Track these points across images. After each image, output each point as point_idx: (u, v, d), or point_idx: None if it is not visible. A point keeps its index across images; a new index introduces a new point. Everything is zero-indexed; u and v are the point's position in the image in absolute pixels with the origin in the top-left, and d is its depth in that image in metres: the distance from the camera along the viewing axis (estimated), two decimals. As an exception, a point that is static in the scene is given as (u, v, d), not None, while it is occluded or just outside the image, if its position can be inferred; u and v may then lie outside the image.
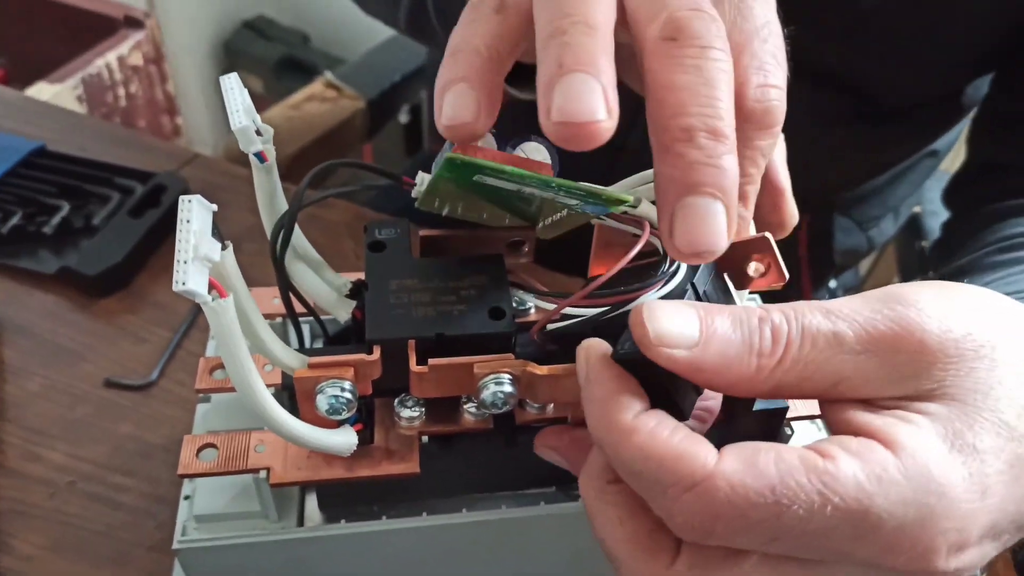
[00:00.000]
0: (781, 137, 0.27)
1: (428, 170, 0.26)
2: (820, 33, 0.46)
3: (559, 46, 0.20)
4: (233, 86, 0.25)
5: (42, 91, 0.79)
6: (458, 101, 0.22)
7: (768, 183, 0.29)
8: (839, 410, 0.23)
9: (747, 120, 0.24)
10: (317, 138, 0.63)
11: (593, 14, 0.21)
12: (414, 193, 0.26)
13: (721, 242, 0.21)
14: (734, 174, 0.21)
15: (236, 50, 1.51)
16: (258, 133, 0.25)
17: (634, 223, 0.26)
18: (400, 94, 0.79)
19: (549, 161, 0.24)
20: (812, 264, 0.63)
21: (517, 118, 0.27)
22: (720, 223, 0.20)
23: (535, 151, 0.24)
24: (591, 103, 0.20)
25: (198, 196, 0.21)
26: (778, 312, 0.22)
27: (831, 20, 0.46)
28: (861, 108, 0.52)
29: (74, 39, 0.71)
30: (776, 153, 0.30)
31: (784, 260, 0.28)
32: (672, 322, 0.21)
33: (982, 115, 0.54)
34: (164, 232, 0.49)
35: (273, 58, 1.46)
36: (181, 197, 0.21)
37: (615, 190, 0.25)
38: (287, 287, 0.28)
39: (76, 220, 0.49)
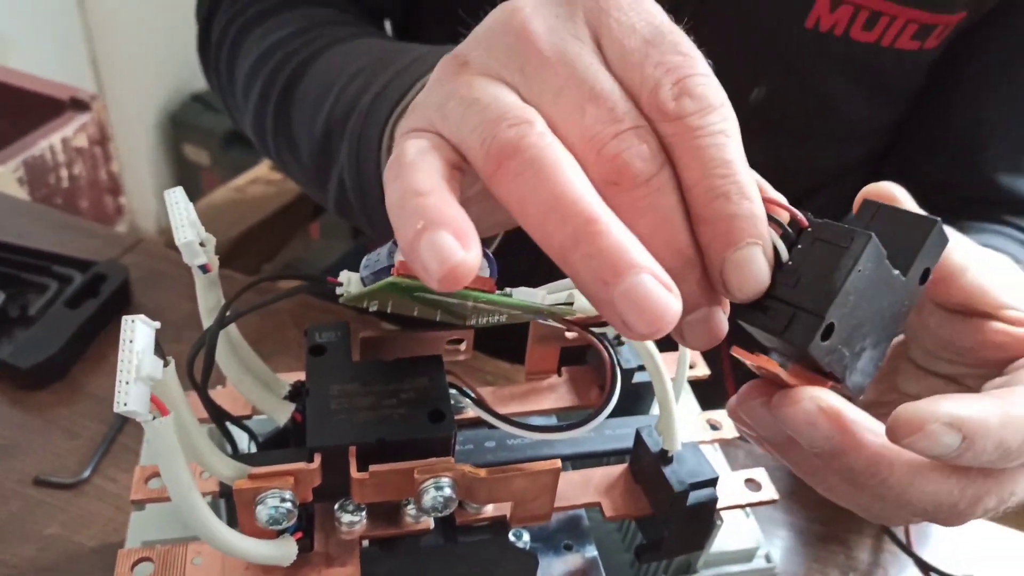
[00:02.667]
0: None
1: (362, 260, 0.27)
2: None
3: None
4: (178, 200, 0.26)
5: (-19, 173, 0.78)
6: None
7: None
8: None
9: (676, 116, 0.22)
10: (261, 220, 0.64)
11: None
12: (339, 291, 0.27)
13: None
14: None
15: (183, 122, 1.51)
16: (201, 244, 0.26)
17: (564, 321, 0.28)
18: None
19: (488, 269, 0.25)
20: (736, 366, 0.62)
21: None
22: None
23: None
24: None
25: (141, 316, 0.22)
26: None
27: None
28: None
29: (18, 121, 0.71)
30: None
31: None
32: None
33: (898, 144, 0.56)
34: (102, 322, 0.49)
35: (220, 130, 1.47)
36: (124, 317, 0.22)
37: (555, 303, 0.26)
38: (211, 406, 0.28)
39: (12, 310, 0.48)
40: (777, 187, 0.25)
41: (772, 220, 0.23)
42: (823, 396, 0.23)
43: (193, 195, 0.27)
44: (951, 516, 0.25)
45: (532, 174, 0.21)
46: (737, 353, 0.24)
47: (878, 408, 0.26)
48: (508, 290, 0.26)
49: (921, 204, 0.28)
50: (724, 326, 0.23)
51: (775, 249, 0.23)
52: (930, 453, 0.23)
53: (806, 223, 0.23)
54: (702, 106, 0.22)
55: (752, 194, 0.22)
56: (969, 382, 0.29)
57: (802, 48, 0.46)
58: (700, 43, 0.23)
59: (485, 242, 0.28)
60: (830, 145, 0.53)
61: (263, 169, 0.70)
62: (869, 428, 0.23)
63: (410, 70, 0.40)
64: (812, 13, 0.45)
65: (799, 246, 0.23)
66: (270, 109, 0.49)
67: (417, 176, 0.22)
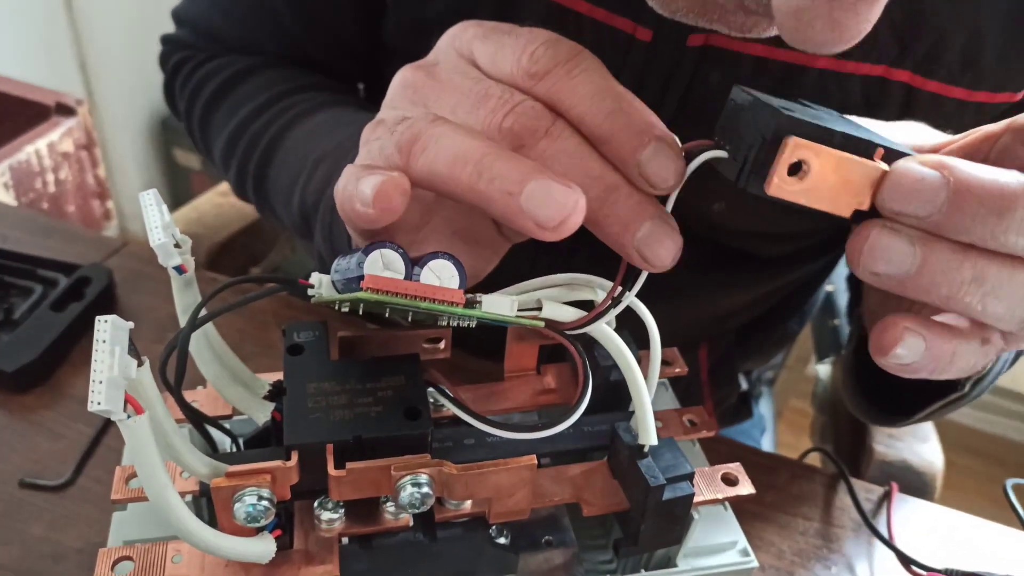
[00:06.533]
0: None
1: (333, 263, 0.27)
2: (684, 231, 0.50)
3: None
4: (152, 203, 0.26)
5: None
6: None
7: None
8: None
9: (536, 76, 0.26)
10: (246, 226, 0.64)
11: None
12: (311, 292, 0.28)
13: None
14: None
15: (173, 126, 1.51)
16: (177, 246, 0.26)
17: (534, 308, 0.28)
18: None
19: (457, 279, 0.26)
20: (715, 386, 0.61)
21: None
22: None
23: (443, 268, 0.25)
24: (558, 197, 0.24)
25: (114, 316, 0.22)
26: None
27: (692, 223, 0.49)
28: (742, 266, 0.54)
29: (3, 126, 0.71)
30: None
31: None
32: None
33: None
34: (87, 325, 0.49)
35: (210, 135, 1.47)
36: (98, 317, 0.22)
37: (523, 312, 0.27)
38: (186, 408, 0.29)
39: (-5, 313, 0.48)
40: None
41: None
42: (910, 160, 0.23)
43: (184, 199, 0.28)
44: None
45: (432, 143, 0.25)
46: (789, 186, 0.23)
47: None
48: (479, 297, 0.26)
49: None
50: (676, 239, 0.25)
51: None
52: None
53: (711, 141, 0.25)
54: (559, 59, 0.26)
55: (633, 101, 0.25)
56: None
57: None
58: None
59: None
60: (799, 233, 0.53)
61: (250, 172, 0.71)
62: (964, 161, 0.23)
63: None
64: None
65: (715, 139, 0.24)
66: (250, 188, 0.52)
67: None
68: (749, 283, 0.55)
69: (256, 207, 0.54)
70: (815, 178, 0.22)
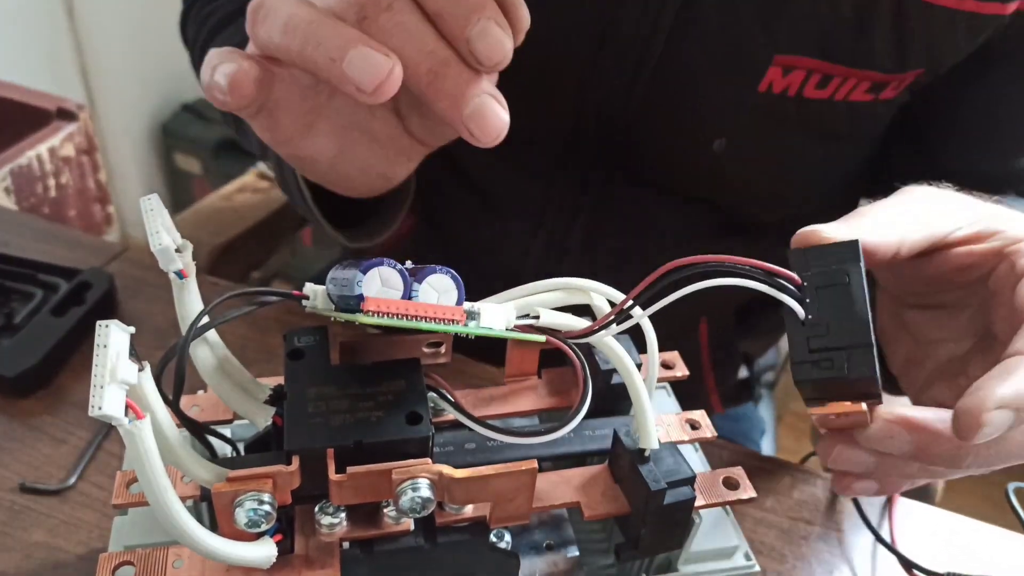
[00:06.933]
0: None
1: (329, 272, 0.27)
2: (683, 174, 0.50)
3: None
4: (153, 207, 0.26)
5: (-33, 183, 0.78)
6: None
7: None
8: None
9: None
10: (248, 228, 0.64)
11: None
12: (305, 304, 0.28)
13: None
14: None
15: (174, 132, 1.52)
16: (177, 251, 0.26)
17: (537, 331, 0.28)
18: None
19: (456, 292, 0.26)
20: (716, 364, 0.62)
21: None
22: None
23: (441, 282, 0.26)
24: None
25: (115, 321, 0.22)
26: None
27: (690, 164, 0.50)
28: (740, 223, 0.54)
29: (4, 131, 0.71)
30: None
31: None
32: None
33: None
34: (88, 330, 0.49)
35: (211, 140, 1.47)
36: (98, 322, 0.22)
37: (518, 322, 0.27)
38: (184, 418, 0.29)
39: (-4, 318, 0.48)
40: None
41: (781, 288, 0.26)
42: (887, 409, 0.28)
43: (184, 204, 0.28)
44: None
45: (272, 12, 0.27)
46: (815, 411, 0.28)
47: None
48: (477, 307, 0.26)
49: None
50: (502, 115, 0.28)
51: (796, 308, 0.26)
52: (997, 434, 0.26)
53: (799, 279, 0.26)
54: None
55: None
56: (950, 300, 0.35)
57: (756, 108, 0.47)
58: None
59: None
60: (792, 190, 0.54)
61: (250, 177, 0.71)
62: (938, 418, 0.28)
63: None
64: (764, 80, 0.46)
65: (807, 300, 0.26)
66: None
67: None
68: (743, 252, 0.56)
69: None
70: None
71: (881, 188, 0.57)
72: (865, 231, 0.29)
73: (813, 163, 0.51)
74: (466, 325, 0.26)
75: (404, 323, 0.24)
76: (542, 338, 0.27)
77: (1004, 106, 0.50)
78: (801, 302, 0.26)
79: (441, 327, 0.25)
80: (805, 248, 0.28)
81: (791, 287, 0.26)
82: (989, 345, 0.34)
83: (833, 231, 0.29)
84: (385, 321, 0.24)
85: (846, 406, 0.27)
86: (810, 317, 0.26)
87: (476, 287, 0.27)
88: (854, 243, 0.27)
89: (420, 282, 0.25)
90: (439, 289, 0.26)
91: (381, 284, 0.25)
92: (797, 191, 0.53)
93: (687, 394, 0.40)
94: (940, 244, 0.33)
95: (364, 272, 0.25)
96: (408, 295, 0.25)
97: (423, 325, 0.25)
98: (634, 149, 0.49)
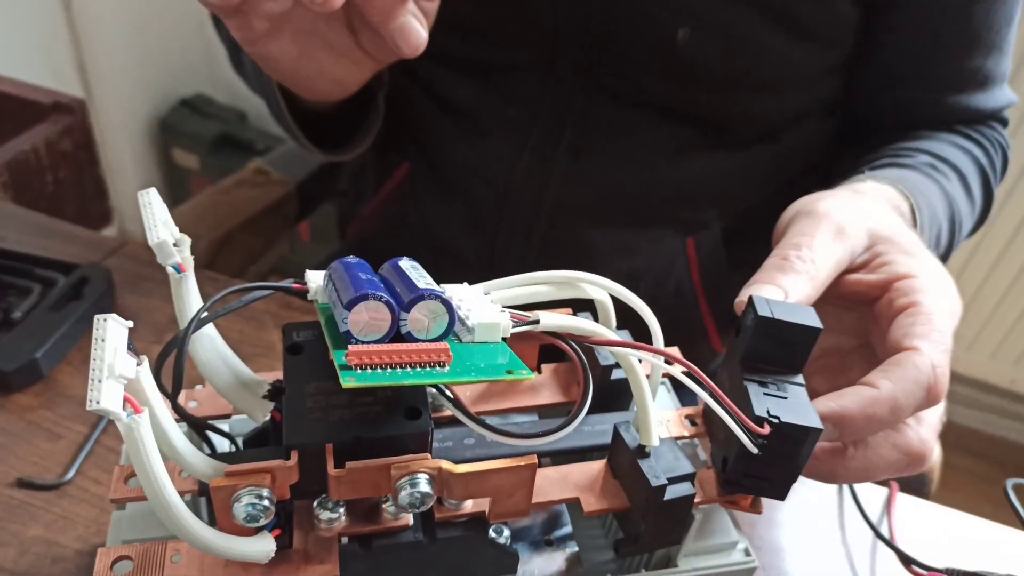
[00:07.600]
0: None
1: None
2: (654, 73, 0.54)
3: None
4: (151, 201, 0.26)
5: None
6: None
7: None
8: None
9: None
10: (244, 221, 0.64)
11: None
12: (309, 293, 0.29)
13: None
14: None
15: (172, 127, 1.51)
16: (175, 244, 0.26)
17: (530, 323, 0.28)
18: (331, 175, 0.80)
19: (447, 317, 0.26)
20: (707, 289, 0.61)
21: None
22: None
23: (426, 308, 0.26)
24: None
25: (113, 315, 0.22)
26: None
27: (657, 61, 0.51)
28: (720, 136, 0.55)
29: (1, 126, 0.70)
30: None
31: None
32: None
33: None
34: (85, 325, 0.49)
35: (210, 135, 1.47)
36: (96, 316, 0.22)
37: (514, 367, 0.27)
38: (183, 414, 0.29)
39: (-6, 313, 0.48)
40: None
41: (746, 431, 0.29)
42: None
43: (182, 199, 0.28)
44: (910, 464, 0.33)
45: None
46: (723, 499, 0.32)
47: None
48: (470, 321, 0.27)
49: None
50: (421, 32, 0.37)
51: (749, 446, 0.29)
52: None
53: (765, 431, 0.28)
54: None
55: None
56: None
57: None
58: None
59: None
60: (764, 94, 0.54)
61: (248, 172, 0.71)
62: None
63: None
64: None
65: (764, 442, 0.29)
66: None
67: None
68: (727, 165, 0.57)
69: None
70: None
71: (850, 140, 0.59)
72: (802, 295, 0.33)
73: (781, 61, 0.52)
74: (452, 365, 0.26)
75: (388, 380, 0.24)
76: (532, 375, 0.27)
77: (951, 4, 0.52)
78: (755, 442, 0.29)
79: (432, 379, 0.25)
80: (764, 317, 0.30)
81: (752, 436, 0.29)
82: (872, 354, 0.36)
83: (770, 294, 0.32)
84: (372, 383, 0.24)
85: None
86: (758, 453, 0.29)
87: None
88: (817, 329, 0.30)
89: (408, 311, 0.25)
90: (427, 315, 0.26)
91: (368, 319, 0.25)
92: (769, 97, 0.54)
93: (684, 327, 0.41)
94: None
95: (349, 309, 0.25)
96: (395, 323, 0.25)
97: (407, 380, 0.25)
98: (607, 54, 0.51)
